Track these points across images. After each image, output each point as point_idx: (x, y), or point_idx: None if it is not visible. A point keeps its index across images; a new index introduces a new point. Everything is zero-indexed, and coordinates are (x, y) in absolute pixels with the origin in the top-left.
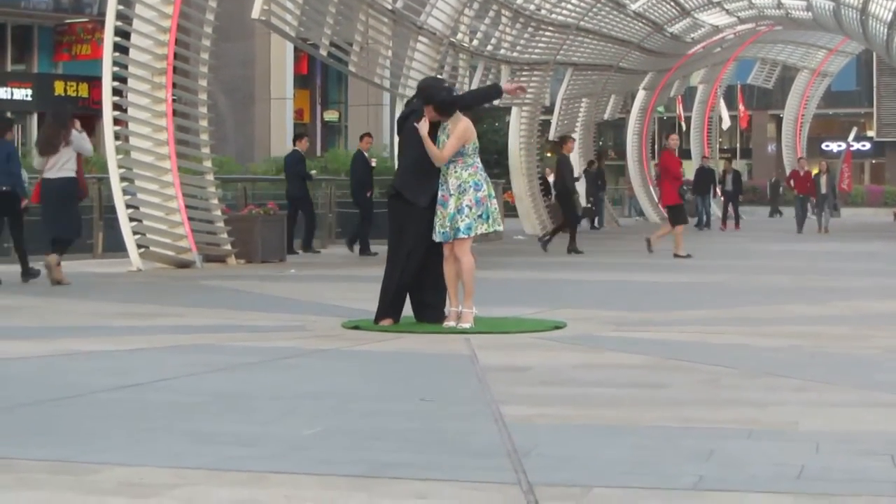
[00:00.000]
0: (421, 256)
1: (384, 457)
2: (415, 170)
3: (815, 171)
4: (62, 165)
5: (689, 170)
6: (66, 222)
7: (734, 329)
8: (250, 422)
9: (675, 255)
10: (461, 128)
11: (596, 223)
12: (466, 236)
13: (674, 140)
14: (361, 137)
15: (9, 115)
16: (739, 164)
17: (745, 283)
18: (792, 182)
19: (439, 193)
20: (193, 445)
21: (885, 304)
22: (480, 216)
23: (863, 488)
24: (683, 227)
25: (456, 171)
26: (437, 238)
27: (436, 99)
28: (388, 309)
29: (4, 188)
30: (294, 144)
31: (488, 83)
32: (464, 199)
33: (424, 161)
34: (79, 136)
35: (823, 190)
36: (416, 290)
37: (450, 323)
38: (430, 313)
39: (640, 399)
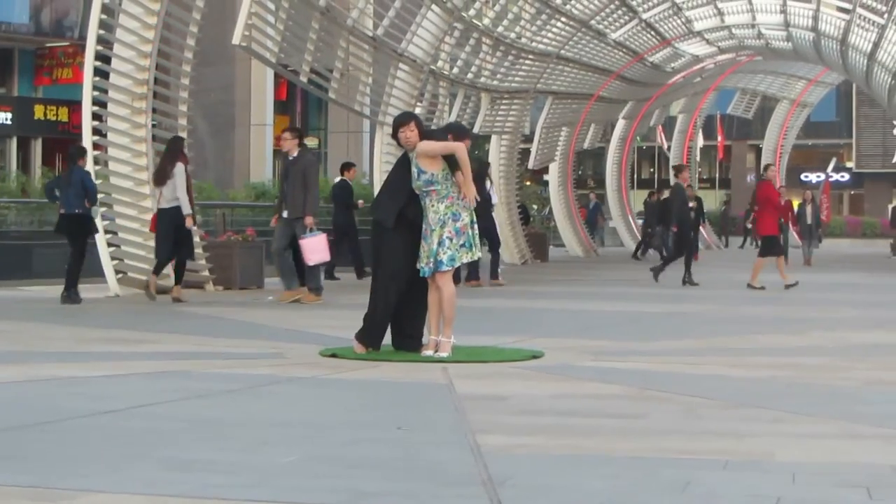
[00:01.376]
0: (400, 283)
1: (361, 485)
2: (388, 190)
3: (797, 203)
4: (173, 197)
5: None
6: (185, 247)
7: (712, 359)
8: (227, 449)
9: (749, 286)
10: (429, 144)
11: (651, 252)
12: (450, 268)
13: (772, 171)
14: (347, 167)
15: (82, 143)
16: (718, 195)
17: (723, 313)
18: None
19: (423, 228)
20: (170, 473)
21: (864, 336)
22: (463, 245)
23: None
24: (771, 259)
25: (433, 206)
26: (421, 273)
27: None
28: (368, 337)
29: (77, 211)
30: (342, 174)
31: (468, 111)
32: (444, 232)
33: (397, 182)
34: (179, 171)
35: (809, 220)
36: (396, 319)
37: (428, 352)
38: (409, 343)
39: (617, 429)
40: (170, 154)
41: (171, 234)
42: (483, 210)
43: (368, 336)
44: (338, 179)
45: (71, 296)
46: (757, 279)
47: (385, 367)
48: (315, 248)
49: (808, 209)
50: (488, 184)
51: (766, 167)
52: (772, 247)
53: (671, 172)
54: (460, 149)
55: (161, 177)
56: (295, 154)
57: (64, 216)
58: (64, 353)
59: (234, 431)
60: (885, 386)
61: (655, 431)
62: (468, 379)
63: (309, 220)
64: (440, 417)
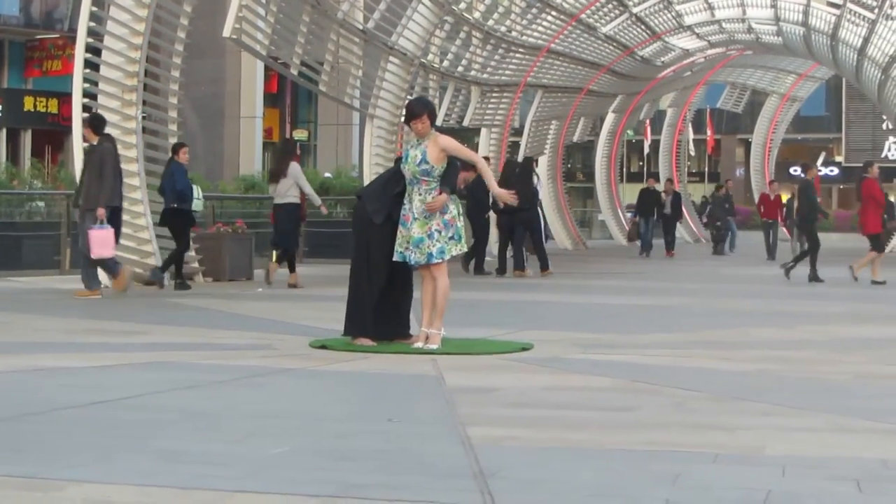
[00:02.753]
0: (382, 275)
1: (351, 477)
2: (383, 184)
3: (785, 197)
4: (286, 192)
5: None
6: (293, 240)
7: (702, 353)
8: (218, 440)
9: (874, 282)
10: (453, 142)
11: (727, 248)
12: (441, 260)
13: (876, 168)
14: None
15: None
16: (707, 188)
17: (714, 306)
18: (761, 207)
19: (401, 213)
20: (161, 463)
21: (853, 329)
22: (452, 238)
23: None
24: (880, 255)
25: (420, 195)
26: (395, 257)
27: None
28: (358, 327)
29: (174, 205)
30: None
31: (458, 104)
32: (432, 224)
33: (392, 182)
34: (295, 170)
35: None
36: (379, 308)
37: (418, 343)
38: (390, 330)
39: (607, 422)
40: (283, 154)
41: (288, 226)
42: (531, 203)
43: (360, 326)
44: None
45: (183, 283)
46: (878, 273)
47: (375, 360)
48: (101, 241)
49: (797, 203)
50: (535, 178)
51: (869, 164)
52: (879, 243)
53: (800, 169)
54: (481, 162)
55: (276, 175)
56: (94, 142)
57: (165, 210)
58: (55, 345)
59: (224, 423)
60: (875, 380)
61: (646, 424)
62: (458, 371)
63: (100, 211)
64: (430, 409)
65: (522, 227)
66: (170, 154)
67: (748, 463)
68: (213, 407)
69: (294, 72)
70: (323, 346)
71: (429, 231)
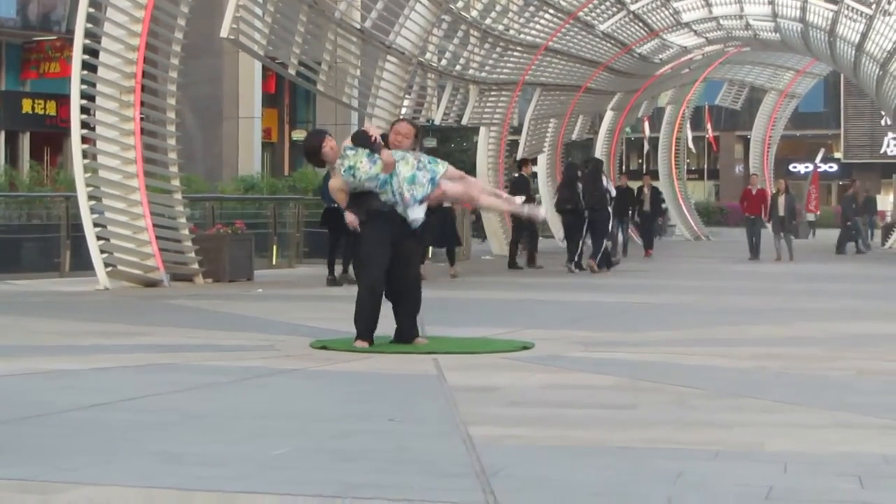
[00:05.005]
0: (382, 273)
1: (352, 478)
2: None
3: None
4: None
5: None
6: (452, 237)
7: (702, 350)
8: (218, 441)
9: None
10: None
11: (861, 246)
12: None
13: None
14: (525, 163)
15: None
16: (706, 185)
17: (712, 304)
18: (744, 203)
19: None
20: (162, 465)
21: (853, 326)
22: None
23: None
24: None
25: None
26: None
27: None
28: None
29: (334, 205)
30: (519, 169)
31: (456, 103)
32: (410, 158)
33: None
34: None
35: (781, 212)
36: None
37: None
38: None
39: (609, 420)
40: None
41: (442, 229)
42: (600, 203)
43: (360, 327)
44: (517, 175)
45: (335, 279)
46: None
47: (376, 360)
48: None
49: (782, 200)
50: (604, 179)
51: None
52: None
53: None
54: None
55: None
56: None
57: (326, 209)
58: (55, 347)
59: (224, 424)
60: (876, 376)
61: (646, 422)
62: (459, 370)
63: None
64: (431, 409)
65: (593, 227)
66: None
67: (749, 459)
68: (214, 408)
69: (292, 72)
70: (324, 347)
71: (416, 165)
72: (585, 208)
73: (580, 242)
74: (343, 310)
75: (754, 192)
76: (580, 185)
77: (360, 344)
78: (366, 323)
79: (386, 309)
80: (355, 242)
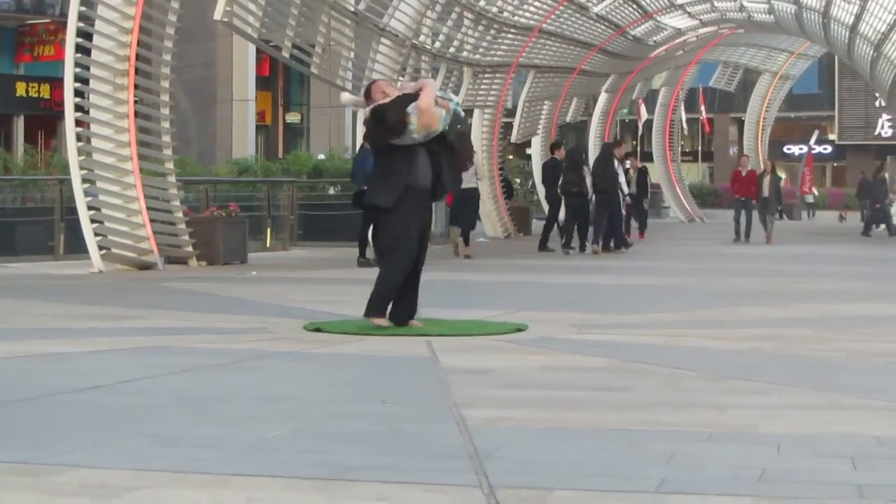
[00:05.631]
0: (413, 255)
1: (346, 459)
2: (380, 172)
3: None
4: (468, 179)
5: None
6: (473, 219)
7: (696, 332)
8: (212, 424)
9: None
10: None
11: (892, 229)
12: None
13: None
14: (557, 146)
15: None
16: (700, 168)
17: (706, 285)
18: (734, 184)
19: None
20: (156, 447)
21: (847, 307)
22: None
23: (824, 491)
24: None
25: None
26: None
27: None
28: (383, 307)
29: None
30: (552, 153)
31: (450, 86)
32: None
33: (387, 164)
34: (478, 161)
35: (766, 193)
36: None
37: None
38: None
39: (602, 402)
40: (467, 146)
41: (467, 209)
42: (611, 186)
43: (383, 306)
44: (550, 158)
45: (368, 261)
46: None
47: (369, 342)
48: None
49: (766, 181)
50: (615, 162)
51: None
52: None
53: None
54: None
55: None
56: None
57: (357, 191)
58: (48, 330)
59: (219, 406)
60: (869, 357)
61: (640, 404)
62: (453, 352)
63: None
64: (425, 391)
65: (604, 209)
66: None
67: (743, 441)
68: (208, 390)
69: (286, 54)
70: (317, 329)
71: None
72: (596, 191)
73: (586, 226)
74: (336, 292)
75: (744, 173)
76: (585, 168)
77: (382, 322)
78: (387, 303)
79: None
80: (380, 226)
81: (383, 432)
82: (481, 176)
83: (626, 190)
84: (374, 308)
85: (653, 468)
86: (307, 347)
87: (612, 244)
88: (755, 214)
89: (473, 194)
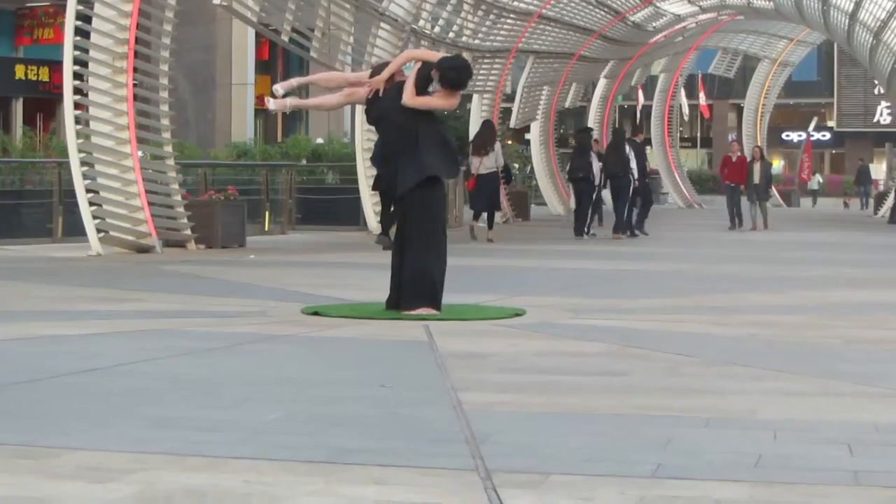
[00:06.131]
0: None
1: (343, 443)
2: (436, 143)
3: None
4: (489, 165)
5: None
6: (496, 203)
7: (693, 317)
8: (211, 407)
9: None
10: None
11: None
12: None
13: None
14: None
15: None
16: (699, 154)
17: (703, 271)
18: (724, 170)
19: None
20: (153, 430)
21: (844, 294)
22: None
23: (820, 477)
24: None
25: None
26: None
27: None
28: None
29: None
30: (631, 135)
31: None
32: None
33: (439, 134)
34: (498, 146)
35: (756, 179)
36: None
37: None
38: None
39: (600, 387)
40: (490, 133)
41: (488, 194)
42: (623, 171)
43: (434, 294)
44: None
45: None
46: None
47: (367, 325)
48: None
49: (757, 167)
50: (627, 147)
51: None
52: None
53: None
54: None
55: (482, 149)
56: None
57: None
58: (47, 312)
59: (217, 389)
60: (866, 344)
61: (637, 389)
62: (450, 337)
63: None
64: (423, 375)
65: (618, 194)
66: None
67: (740, 427)
68: (206, 373)
69: (285, 38)
70: (315, 313)
71: None
72: (609, 176)
73: (592, 211)
74: (335, 276)
75: (734, 159)
76: (593, 154)
77: (433, 311)
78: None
79: (380, 278)
80: (424, 204)
81: (381, 416)
82: (501, 162)
83: (636, 175)
84: (434, 298)
85: (650, 453)
86: (305, 331)
87: (630, 228)
88: (745, 201)
89: (494, 179)
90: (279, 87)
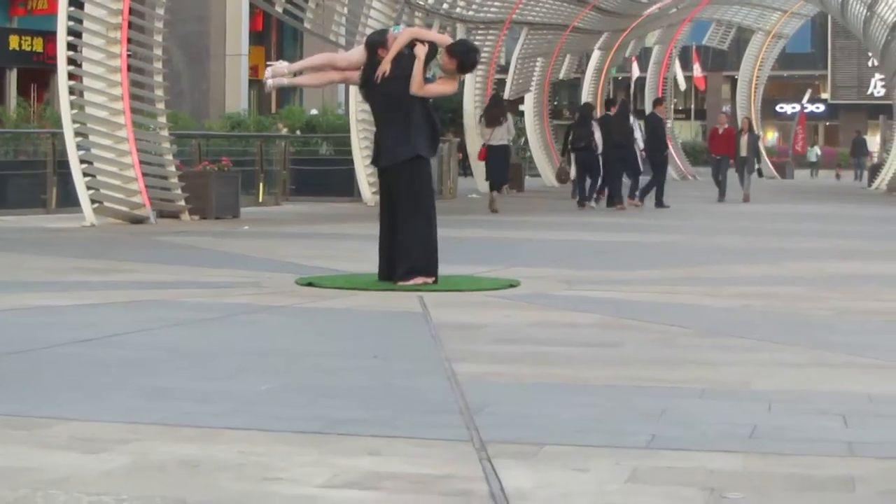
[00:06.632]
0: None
1: (337, 413)
2: (423, 122)
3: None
4: (500, 137)
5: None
6: (504, 174)
7: (687, 289)
8: (204, 378)
9: None
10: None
11: None
12: None
13: None
14: (659, 102)
15: None
16: (693, 126)
17: (697, 243)
18: (711, 142)
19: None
20: (147, 401)
21: (837, 266)
22: None
23: (814, 448)
24: None
25: None
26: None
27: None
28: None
29: None
30: (654, 108)
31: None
32: None
33: (427, 113)
34: (509, 118)
35: (744, 152)
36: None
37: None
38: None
39: (594, 358)
40: (501, 105)
41: (499, 164)
42: (627, 140)
43: (431, 264)
44: (650, 113)
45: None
46: None
47: (361, 296)
48: None
49: (744, 139)
50: (632, 118)
51: None
52: None
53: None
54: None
55: (494, 121)
56: None
57: None
58: (39, 283)
59: (210, 360)
60: (859, 315)
61: (631, 360)
62: (445, 308)
63: None
64: (416, 346)
65: (620, 163)
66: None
67: (734, 398)
68: (200, 345)
69: (279, 9)
70: (309, 284)
71: None
72: (614, 145)
73: (596, 180)
74: (329, 247)
75: (721, 131)
76: (594, 124)
77: (429, 280)
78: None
79: (374, 249)
80: (414, 179)
81: (375, 387)
82: (513, 134)
83: (641, 146)
84: (431, 268)
85: (644, 424)
86: (299, 302)
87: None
88: (733, 173)
89: (505, 151)
90: (270, 82)
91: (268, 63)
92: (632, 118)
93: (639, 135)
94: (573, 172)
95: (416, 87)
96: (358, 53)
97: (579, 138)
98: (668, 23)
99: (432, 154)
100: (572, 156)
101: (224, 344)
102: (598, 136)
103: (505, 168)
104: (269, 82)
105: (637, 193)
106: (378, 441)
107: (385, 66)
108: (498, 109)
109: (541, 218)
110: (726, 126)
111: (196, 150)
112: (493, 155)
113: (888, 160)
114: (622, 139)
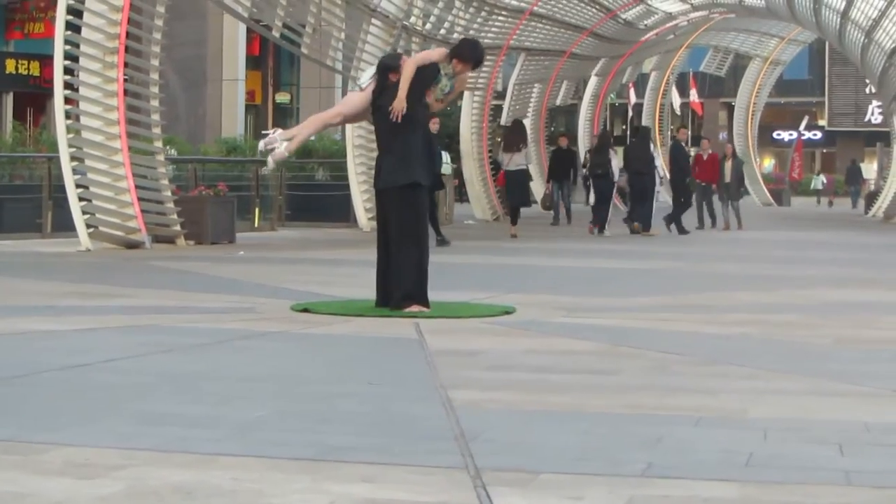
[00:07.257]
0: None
1: (332, 440)
2: (421, 150)
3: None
4: (518, 162)
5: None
6: (525, 199)
7: (684, 316)
8: (198, 403)
9: None
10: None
11: None
12: None
13: None
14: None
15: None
16: (691, 152)
17: (694, 270)
18: (695, 168)
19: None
20: (141, 426)
21: (835, 293)
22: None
23: (811, 476)
24: None
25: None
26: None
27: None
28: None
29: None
30: (677, 134)
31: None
32: None
33: (424, 141)
34: (529, 146)
35: (728, 178)
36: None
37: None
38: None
39: (590, 385)
40: (520, 131)
41: (518, 189)
42: (647, 168)
43: (424, 292)
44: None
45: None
46: None
47: (356, 322)
48: None
49: (728, 165)
50: (652, 146)
51: None
52: None
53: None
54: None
55: (513, 147)
56: None
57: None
58: (34, 307)
59: (205, 386)
60: (857, 343)
61: (627, 387)
62: (440, 334)
63: None
64: (412, 372)
65: (638, 190)
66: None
67: (730, 426)
68: (194, 370)
69: (276, 34)
70: (305, 310)
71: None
72: (633, 172)
73: (607, 208)
74: (324, 273)
75: (705, 157)
76: (612, 152)
77: (425, 309)
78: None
79: (369, 275)
80: (408, 207)
81: (370, 413)
82: (531, 160)
83: (661, 173)
84: (424, 296)
85: (640, 452)
86: (294, 328)
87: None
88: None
89: (523, 175)
90: (271, 162)
91: (263, 132)
92: (651, 146)
93: (659, 163)
94: (592, 199)
95: (398, 103)
96: (358, 97)
97: (597, 165)
98: (666, 49)
99: (429, 181)
100: (590, 182)
101: (218, 370)
102: (614, 164)
103: (525, 192)
104: (270, 162)
105: (640, 221)
106: (373, 468)
107: (400, 106)
108: (517, 136)
109: (536, 244)
110: (710, 152)
111: (192, 174)
112: (511, 180)
113: (885, 187)
114: (641, 166)
